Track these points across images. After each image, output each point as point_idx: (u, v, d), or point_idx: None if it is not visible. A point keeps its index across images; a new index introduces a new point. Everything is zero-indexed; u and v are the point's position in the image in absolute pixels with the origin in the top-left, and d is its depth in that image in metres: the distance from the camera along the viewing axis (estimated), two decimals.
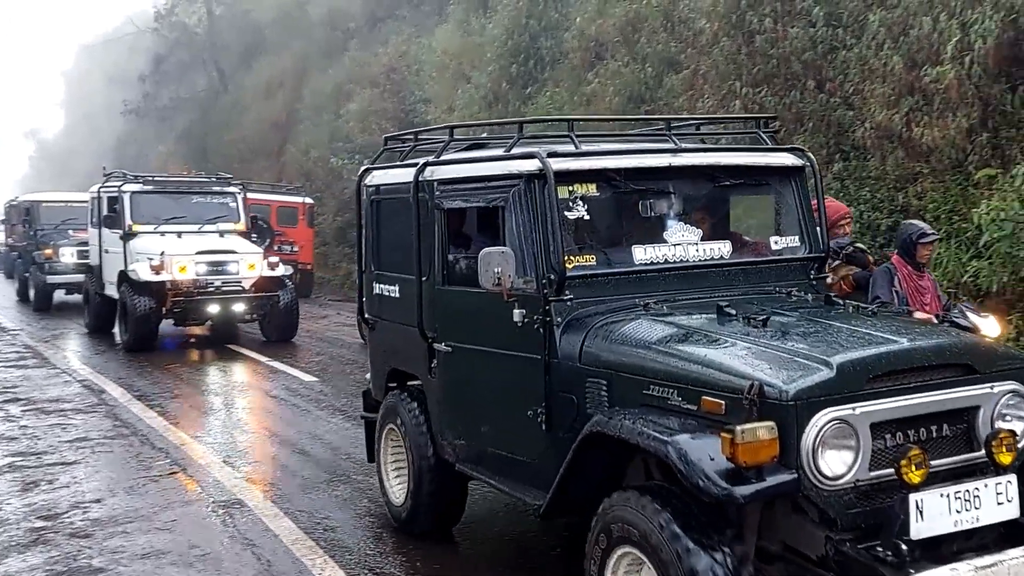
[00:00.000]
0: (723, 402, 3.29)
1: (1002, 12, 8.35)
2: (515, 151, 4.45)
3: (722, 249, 4.49)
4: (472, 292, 4.41)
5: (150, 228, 12.85)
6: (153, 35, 37.03)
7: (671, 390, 3.53)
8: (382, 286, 5.48)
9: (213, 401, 9.80)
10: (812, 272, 4.68)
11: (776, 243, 4.69)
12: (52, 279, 17.86)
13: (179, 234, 12.91)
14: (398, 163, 5.50)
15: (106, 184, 13.86)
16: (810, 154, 4.94)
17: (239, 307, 12.75)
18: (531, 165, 4.19)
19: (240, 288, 12.67)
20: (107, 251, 13.41)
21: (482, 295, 4.23)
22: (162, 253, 12.12)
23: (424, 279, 4.85)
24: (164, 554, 5.31)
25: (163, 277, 12.02)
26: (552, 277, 4.03)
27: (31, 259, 18.55)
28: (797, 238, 4.71)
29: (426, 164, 4.79)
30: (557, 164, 4.14)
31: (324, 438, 7.90)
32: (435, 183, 4.74)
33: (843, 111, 9.97)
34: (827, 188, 9.76)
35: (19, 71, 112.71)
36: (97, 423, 8.56)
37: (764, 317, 3.69)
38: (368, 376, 5.96)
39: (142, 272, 12.04)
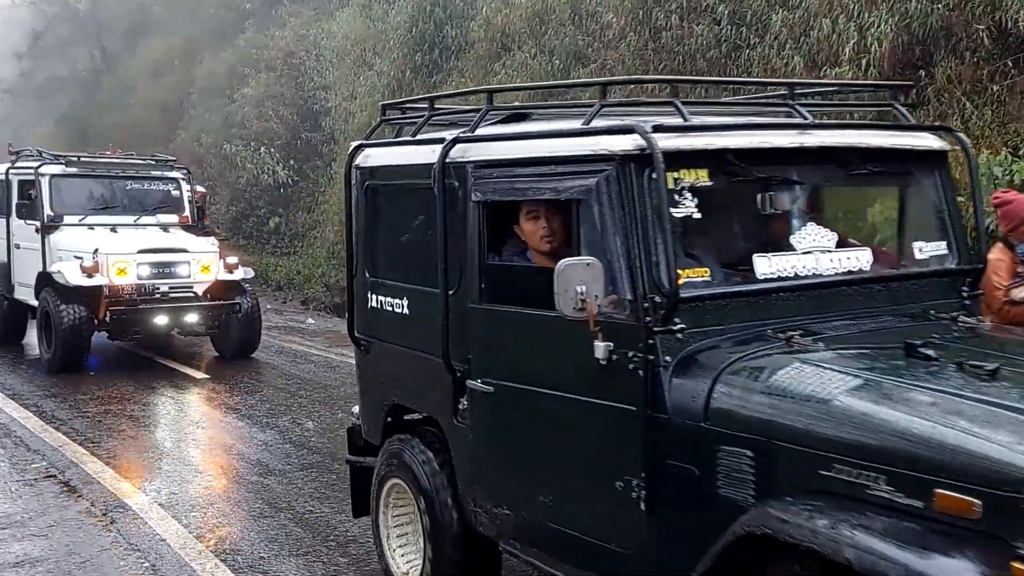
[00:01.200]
0: (978, 501, 2.31)
1: (897, 16, 8.79)
2: (598, 123, 3.33)
3: (861, 259, 3.52)
4: (528, 314, 3.45)
5: (75, 219, 10.86)
6: (30, 8, 35.53)
7: (874, 474, 2.52)
8: (382, 298, 4.38)
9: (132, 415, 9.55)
10: (964, 289, 3.74)
11: (921, 251, 3.73)
12: None
13: (113, 227, 10.89)
14: (406, 139, 4.38)
15: (16, 165, 11.66)
16: (963, 135, 4.02)
17: (192, 318, 10.62)
18: (626, 143, 3.11)
19: (192, 294, 10.61)
20: (18, 246, 11.44)
21: (543, 318, 3.30)
22: (95, 251, 10.06)
23: (451, 292, 3.76)
24: (40, 562, 5.13)
25: (97, 281, 9.95)
26: (658, 299, 3.02)
27: None
28: (944, 244, 3.76)
29: (456, 141, 3.71)
30: (665, 141, 3.08)
31: (222, 440, 7.82)
32: (470, 166, 3.65)
33: None
34: None
35: None
36: None
37: (993, 366, 2.72)
38: (355, 410, 4.91)
39: (71, 275, 9.96)
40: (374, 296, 4.48)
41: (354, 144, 4.60)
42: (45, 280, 10.46)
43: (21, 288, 11.39)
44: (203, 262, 10.66)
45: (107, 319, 10.24)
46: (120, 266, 10.11)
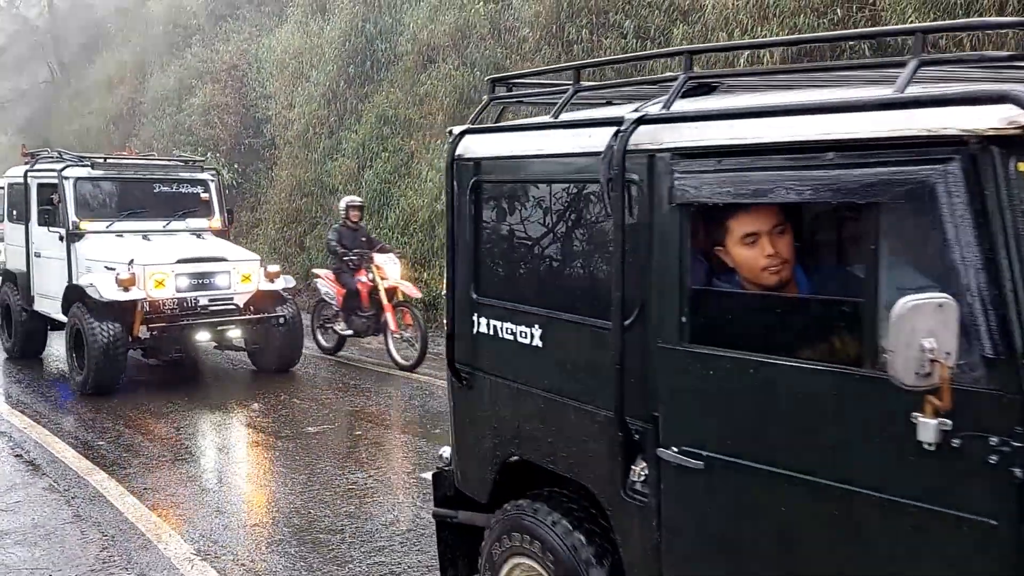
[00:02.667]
0: None
1: (786, 30, 8.79)
2: (920, 91, 1.97)
3: None
4: (780, 366, 2.16)
5: (101, 226, 9.03)
6: None
7: None
8: (494, 323, 3.14)
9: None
10: None
11: None
12: None
13: (144, 235, 9.13)
14: (541, 122, 3.07)
15: (35, 168, 9.74)
16: None
17: (234, 333, 8.90)
18: (993, 118, 1.82)
19: (234, 307, 8.87)
20: (39, 255, 9.55)
21: (806, 373, 2.10)
22: (131, 262, 8.24)
23: (629, 325, 2.51)
24: (7, 534, 4.87)
25: (134, 295, 8.15)
26: None
27: None
28: None
29: (640, 121, 2.46)
30: None
31: (179, 423, 7.41)
32: (666, 155, 2.41)
33: None
34: None
35: None
36: None
37: None
38: (444, 452, 3.64)
39: (105, 288, 8.10)
40: (481, 319, 3.22)
41: (458, 130, 3.29)
42: (75, 294, 8.53)
43: (43, 300, 9.57)
44: (244, 271, 8.83)
45: (143, 336, 8.50)
46: (158, 278, 8.27)
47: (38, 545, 4.72)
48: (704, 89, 2.83)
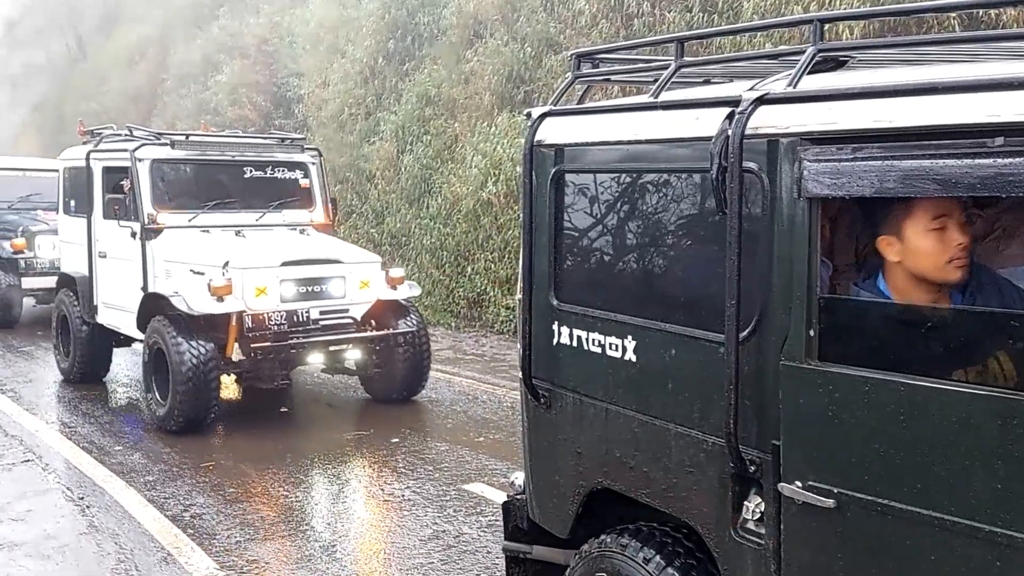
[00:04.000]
0: None
1: (868, 3, 8.63)
2: None
3: None
4: (926, 387, 1.99)
5: (183, 219, 7.80)
6: None
7: None
8: (578, 333, 2.97)
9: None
10: None
11: None
12: (28, 283, 12.14)
13: (237, 231, 7.91)
14: (637, 102, 2.84)
15: (100, 148, 8.49)
16: None
17: (353, 354, 7.66)
18: None
19: (350, 320, 7.58)
20: (104, 255, 8.29)
21: (959, 396, 1.94)
22: (226, 264, 7.06)
23: (745, 339, 2.33)
24: (17, 546, 4.94)
25: (231, 306, 6.94)
26: None
27: None
28: None
29: (760, 101, 2.27)
30: None
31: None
32: (792, 141, 2.24)
33: None
34: None
35: None
36: None
37: None
38: (516, 479, 3.45)
39: (196, 299, 6.89)
40: (562, 329, 3.04)
41: (537, 112, 3.11)
42: (154, 305, 7.33)
43: (108, 311, 8.32)
44: (362, 276, 7.59)
45: (241, 360, 7.22)
46: (260, 285, 7.08)
47: (51, 558, 4.79)
48: (830, 64, 2.61)
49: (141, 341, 7.51)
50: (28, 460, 6.49)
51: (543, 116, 3.07)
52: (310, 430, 7.41)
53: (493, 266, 11.75)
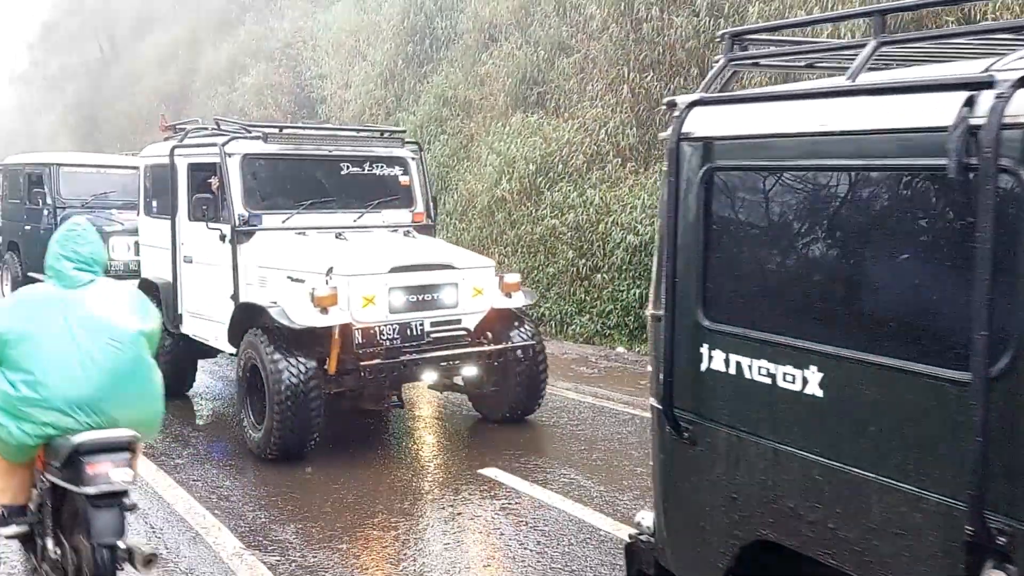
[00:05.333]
0: None
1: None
2: None
3: None
4: None
5: (277, 220, 6.87)
6: (42, 1, 34.94)
7: None
8: (740, 359, 2.50)
9: None
10: None
11: None
12: None
13: (338, 233, 6.97)
14: (826, 88, 2.40)
15: (186, 143, 7.58)
16: None
17: (469, 371, 6.65)
18: None
19: (463, 332, 6.66)
20: (190, 259, 7.40)
21: None
22: (329, 271, 6.10)
23: (999, 376, 1.90)
24: None
25: (335, 318, 5.99)
26: None
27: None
28: None
29: (1021, 83, 1.87)
30: None
31: (219, 410, 7.63)
32: None
33: None
34: None
35: None
36: None
37: None
38: (644, 520, 3.00)
39: (297, 310, 5.98)
40: (714, 353, 2.58)
41: (684, 100, 2.65)
42: (248, 316, 6.42)
43: (194, 321, 7.47)
44: (475, 283, 6.67)
45: (344, 380, 6.26)
46: (367, 293, 6.16)
47: None
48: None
49: (233, 355, 6.75)
50: None
51: (692, 105, 2.60)
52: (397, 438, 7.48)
53: (506, 260, 11.83)
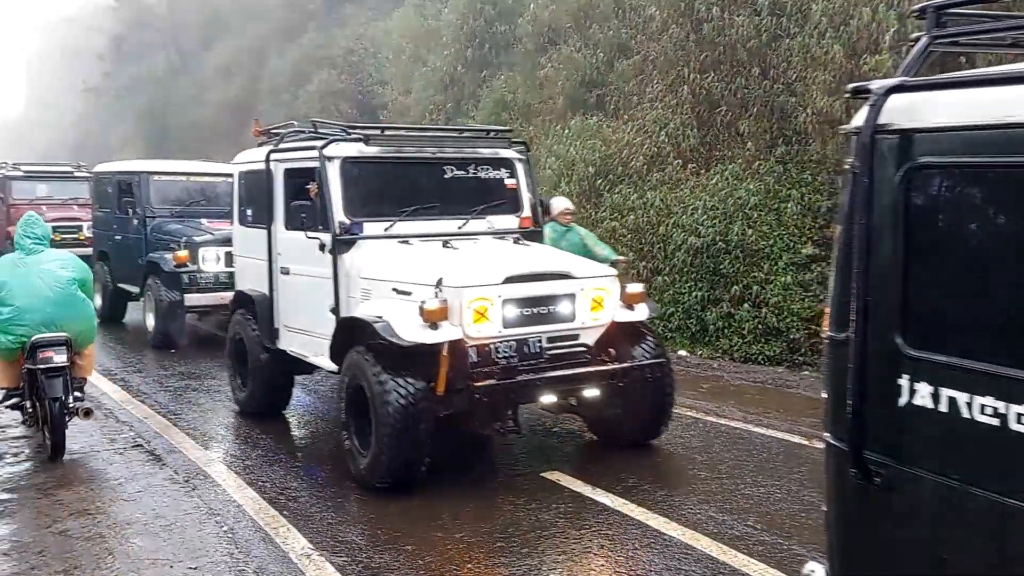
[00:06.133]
0: None
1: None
2: None
3: None
4: None
5: (378, 228, 6.36)
6: (112, 14, 36.00)
7: None
8: (956, 395, 2.11)
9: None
10: None
11: None
12: (191, 299, 10.46)
13: (445, 241, 6.40)
14: None
15: (282, 148, 6.99)
16: None
17: (591, 392, 5.95)
18: None
19: (582, 349, 6.00)
20: (287, 271, 6.92)
21: None
22: (439, 282, 5.56)
23: None
24: (129, 524, 5.15)
25: (447, 334, 5.47)
26: None
27: (148, 264, 10.91)
28: None
29: None
30: None
31: (314, 427, 7.72)
32: None
33: (786, 97, 9.97)
34: (770, 170, 9.80)
35: None
36: None
37: None
38: (811, 573, 2.67)
39: (404, 326, 5.46)
40: (916, 385, 2.19)
41: (881, 87, 2.25)
42: (351, 332, 5.91)
43: (293, 336, 6.96)
44: (595, 293, 6.02)
45: (456, 401, 5.58)
46: (479, 306, 5.60)
47: (159, 535, 4.99)
48: None
49: (333, 372, 6.31)
50: (138, 445, 6.75)
51: (890, 92, 2.22)
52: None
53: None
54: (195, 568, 4.56)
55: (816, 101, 9.26)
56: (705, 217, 9.94)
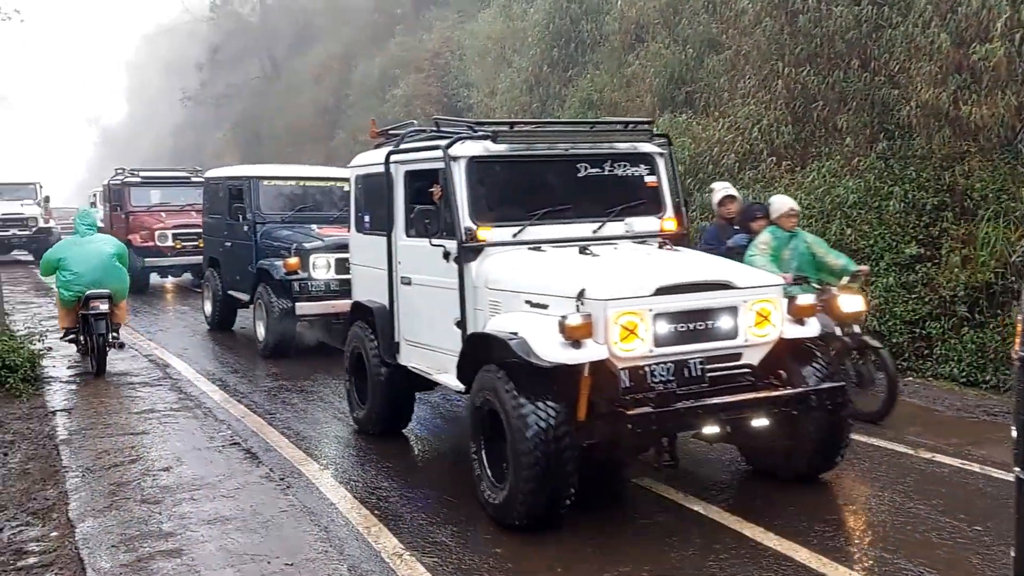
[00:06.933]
0: None
1: None
2: None
3: None
4: None
5: (507, 234, 5.80)
6: (209, 24, 37.27)
7: None
8: None
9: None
10: None
11: None
12: (302, 308, 10.05)
13: (583, 247, 5.72)
14: None
15: (402, 148, 6.51)
16: None
17: (760, 422, 5.17)
18: None
19: (746, 371, 5.32)
20: (409, 281, 6.43)
21: None
22: (580, 294, 4.94)
23: None
24: (229, 520, 5.27)
25: (589, 353, 4.82)
26: None
27: (259, 271, 10.63)
28: None
29: None
30: None
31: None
32: None
33: (888, 90, 9.60)
34: (870, 167, 9.47)
35: (84, 61, 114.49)
36: (163, 395, 8.57)
37: None
38: None
39: (543, 341, 4.86)
40: None
41: None
42: (481, 349, 5.37)
43: (413, 350, 6.51)
44: (759, 306, 5.24)
45: (597, 422, 4.91)
46: (627, 321, 4.89)
47: (257, 532, 5.09)
48: None
49: (461, 393, 5.82)
50: (235, 443, 6.93)
51: None
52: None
53: None
54: (291, 564, 4.63)
55: (921, 93, 8.89)
56: (801, 216, 9.66)
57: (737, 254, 7.05)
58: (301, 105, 29.34)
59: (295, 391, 8.71)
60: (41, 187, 25.27)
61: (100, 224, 12.85)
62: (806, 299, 5.51)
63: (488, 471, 5.22)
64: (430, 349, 6.27)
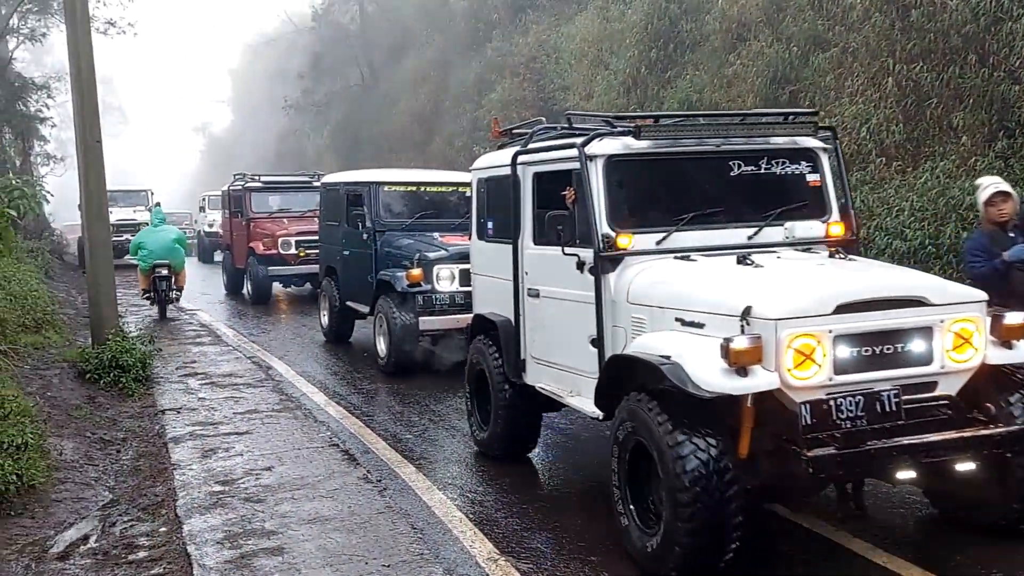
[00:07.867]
0: None
1: None
2: None
3: None
4: None
5: (650, 241, 5.21)
6: (310, 34, 38.37)
7: None
8: None
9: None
10: None
11: None
12: (426, 323, 9.56)
13: (742, 256, 4.98)
14: None
15: (532, 147, 5.95)
16: None
17: (966, 466, 4.38)
18: None
19: (944, 402, 4.52)
20: (537, 294, 5.90)
21: None
22: (746, 312, 4.26)
23: None
24: (328, 520, 5.38)
25: (759, 381, 4.14)
26: None
27: (379, 283, 10.11)
28: None
29: None
30: None
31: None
32: None
33: (1008, 86, 9.19)
34: (989, 167, 9.06)
35: (191, 71, 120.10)
36: (265, 396, 8.82)
37: None
38: None
39: (702, 368, 4.20)
40: None
41: None
42: (623, 373, 4.82)
43: (541, 369, 5.98)
44: (958, 327, 4.48)
45: (766, 463, 4.38)
46: (802, 344, 4.22)
47: (355, 532, 5.18)
48: None
49: (599, 419, 5.20)
50: (334, 444, 7.10)
51: None
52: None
53: None
54: (388, 566, 4.71)
55: None
56: (912, 219, 9.32)
57: (1020, 269, 5.73)
58: (398, 111, 29.87)
59: (392, 394, 8.83)
60: (152, 194, 27.00)
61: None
62: (1015, 318, 4.59)
63: (635, 514, 4.60)
64: (561, 369, 5.73)
